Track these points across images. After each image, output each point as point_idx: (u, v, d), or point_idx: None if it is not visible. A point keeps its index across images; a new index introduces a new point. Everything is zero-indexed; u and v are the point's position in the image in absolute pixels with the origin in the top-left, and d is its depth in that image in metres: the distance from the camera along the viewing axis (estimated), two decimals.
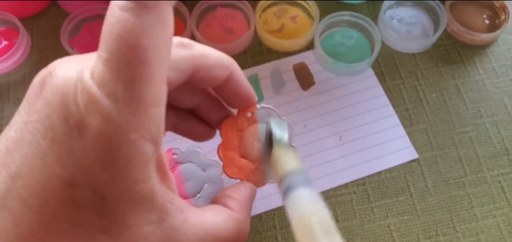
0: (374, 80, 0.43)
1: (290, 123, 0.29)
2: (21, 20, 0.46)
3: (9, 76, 0.45)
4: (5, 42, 0.46)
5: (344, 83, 0.43)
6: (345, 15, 0.45)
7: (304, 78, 0.43)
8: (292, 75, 0.44)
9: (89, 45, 0.46)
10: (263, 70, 0.44)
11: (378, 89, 0.43)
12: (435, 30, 0.46)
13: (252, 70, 0.44)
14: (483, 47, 0.46)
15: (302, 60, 0.44)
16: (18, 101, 0.44)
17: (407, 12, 0.47)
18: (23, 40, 0.45)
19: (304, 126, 0.41)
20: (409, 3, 0.47)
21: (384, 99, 0.42)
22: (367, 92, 0.43)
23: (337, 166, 0.39)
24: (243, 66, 0.45)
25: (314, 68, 0.44)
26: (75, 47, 0.46)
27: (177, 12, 0.47)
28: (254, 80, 0.43)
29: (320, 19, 0.45)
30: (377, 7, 0.48)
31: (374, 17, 0.47)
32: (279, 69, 0.44)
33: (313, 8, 0.46)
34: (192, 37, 0.46)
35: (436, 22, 0.46)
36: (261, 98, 0.42)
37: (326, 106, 0.42)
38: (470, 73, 0.44)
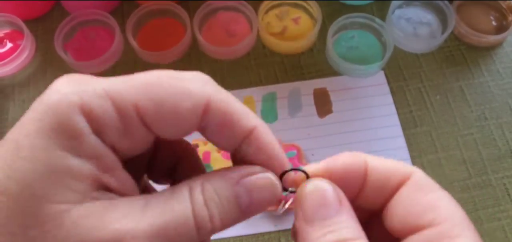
0: (391, 109, 0.42)
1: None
2: (25, 22, 0.46)
3: (14, 78, 0.45)
4: (10, 44, 0.46)
5: (362, 117, 0.41)
6: (357, 17, 0.45)
7: (323, 105, 0.42)
8: (310, 99, 0.42)
9: (83, 50, 0.46)
10: (283, 89, 0.43)
11: (397, 130, 0.41)
12: (443, 31, 0.45)
13: (272, 88, 0.43)
14: (487, 49, 0.45)
15: (325, 85, 0.43)
16: (22, 103, 0.44)
17: (416, 12, 0.47)
18: (28, 42, 0.45)
19: (312, 154, 0.40)
20: (417, 3, 0.47)
21: (402, 142, 0.40)
22: (383, 119, 0.41)
23: None
24: (247, 69, 0.45)
25: (335, 97, 0.43)
26: (69, 51, 0.46)
27: (176, 16, 0.47)
28: (271, 98, 0.43)
29: (331, 22, 0.45)
30: (380, 9, 0.48)
31: (381, 18, 0.47)
32: (299, 91, 0.43)
33: (315, 9, 0.46)
34: (194, 41, 0.46)
35: (444, 23, 0.46)
36: (274, 118, 0.42)
37: (338, 138, 0.40)
38: (474, 75, 0.44)
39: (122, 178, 0.16)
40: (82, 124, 0.15)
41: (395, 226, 0.18)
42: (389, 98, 0.42)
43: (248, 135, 0.18)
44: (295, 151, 0.39)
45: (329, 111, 0.42)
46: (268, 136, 0.18)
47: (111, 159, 0.16)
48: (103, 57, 0.44)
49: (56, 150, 0.15)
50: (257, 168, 0.18)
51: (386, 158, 0.19)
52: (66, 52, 0.46)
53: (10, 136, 0.16)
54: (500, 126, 0.41)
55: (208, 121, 0.17)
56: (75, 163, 0.15)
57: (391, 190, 0.18)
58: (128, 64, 0.45)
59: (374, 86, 0.43)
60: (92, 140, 0.15)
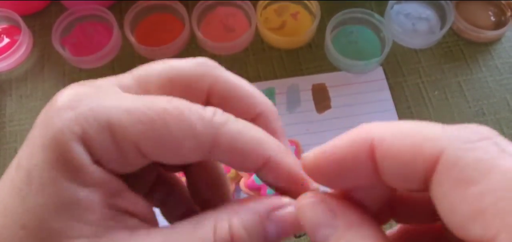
0: (389, 104, 0.42)
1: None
2: (23, 18, 0.46)
3: (11, 73, 0.45)
4: (7, 40, 0.46)
5: (360, 113, 0.41)
6: (356, 13, 0.45)
7: (321, 100, 0.42)
8: (309, 95, 0.42)
9: (81, 45, 0.46)
10: (281, 85, 0.43)
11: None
12: (442, 27, 0.45)
13: (270, 83, 0.43)
14: (486, 44, 0.45)
15: (323, 81, 0.43)
16: (20, 98, 0.44)
17: (415, 8, 0.47)
18: (25, 38, 0.45)
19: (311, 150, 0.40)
20: None
21: None
22: (381, 115, 0.41)
23: None
24: (246, 64, 0.45)
25: (333, 92, 0.43)
26: (67, 46, 0.46)
27: (174, 12, 0.47)
28: (269, 94, 0.43)
29: (330, 17, 0.45)
30: (379, 4, 0.48)
31: (379, 13, 0.47)
32: (297, 87, 0.43)
33: (314, 4, 0.45)
34: (193, 37, 0.46)
35: (442, 18, 0.46)
36: None
37: (337, 134, 0.39)
38: (472, 70, 0.44)
39: (132, 198, 0.16)
40: (82, 155, 0.15)
41: (446, 227, 0.14)
42: (387, 94, 0.42)
43: (264, 164, 0.17)
44: (293, 146, 0.39)
45: (328, 106, 0.42)
46: (284, 161, 0.17)
47: (116, 183, 0.16)
48: (101, 53, 0.44)
49: (64, 182, 0.15)
50: (284, 200, 0.17)
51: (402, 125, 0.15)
52: (64, 47, 0.45)
53: (22, 162, 0.15)
54: (498, 121, 0.41)
55: (217, 154, 0.17)
56: (84, 193, 0.15)
57: (420, 177, 0.14)
58: (126, 59, 0.45)
59: (372, 81, 0.43)
60: (94, 169, 0.15)
